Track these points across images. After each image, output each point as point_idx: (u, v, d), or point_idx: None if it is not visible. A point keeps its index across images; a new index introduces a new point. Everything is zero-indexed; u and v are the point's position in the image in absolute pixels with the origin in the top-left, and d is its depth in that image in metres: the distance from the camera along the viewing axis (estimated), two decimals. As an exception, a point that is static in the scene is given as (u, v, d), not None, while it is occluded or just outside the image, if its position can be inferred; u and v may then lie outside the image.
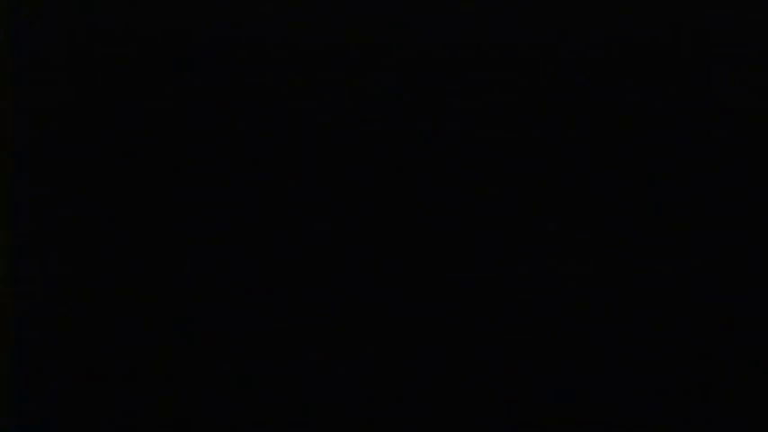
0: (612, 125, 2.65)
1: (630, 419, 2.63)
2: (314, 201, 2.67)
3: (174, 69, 2.69)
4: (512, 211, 2.65)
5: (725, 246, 2.63)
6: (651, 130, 2.65)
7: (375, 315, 2.66)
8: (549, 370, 2.63)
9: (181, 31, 2.69)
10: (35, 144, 2.68)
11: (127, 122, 2.69)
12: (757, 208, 2.63)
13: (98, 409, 2.67)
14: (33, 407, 2.67)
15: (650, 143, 2.65)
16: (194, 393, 2.66)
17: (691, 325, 2.63)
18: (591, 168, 2.65)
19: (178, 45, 2.69)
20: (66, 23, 2.70)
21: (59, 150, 2.69)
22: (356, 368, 2.66)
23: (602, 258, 2.64)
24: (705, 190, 2.64)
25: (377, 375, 2.65)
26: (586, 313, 2.64)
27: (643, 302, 2.64)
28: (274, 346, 2.66)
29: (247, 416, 2.66)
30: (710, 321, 2.63)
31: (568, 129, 2.65)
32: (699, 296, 2.63)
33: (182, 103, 2.68)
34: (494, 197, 2.66)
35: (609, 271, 2.64)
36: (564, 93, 2.65)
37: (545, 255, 2.64)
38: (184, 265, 2.67)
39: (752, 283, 2.63)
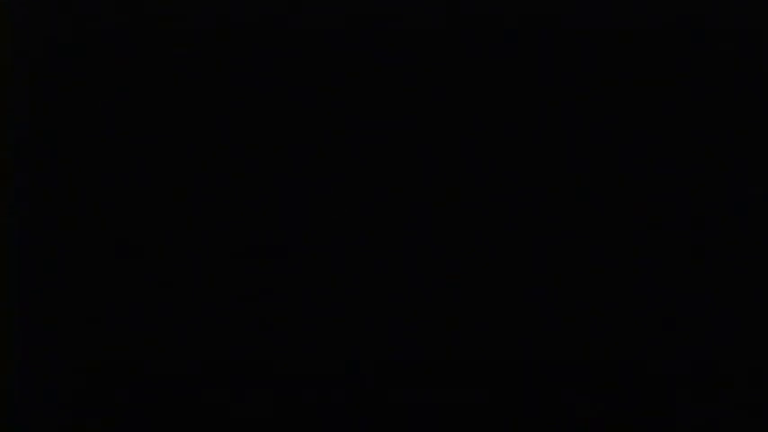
0: (611, 122, 2.65)
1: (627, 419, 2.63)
2: (306, 197, 2.67)
3: (172, 69, 2.69)
4: (510, 205, 2.66)
5: (723, 246, 2.63)
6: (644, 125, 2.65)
7: (371, 314, 2.66)
8: (546, 371, 2.64)
9: (178, 31, 2.69)
10: (35, 144, 2.68)
11: (127, 122, 2.69)
12: (757, 208, 2.63)
13: (98, 409, 2.67)
14: (33, 407, 2.67)
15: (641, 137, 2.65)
16: (194, 394, 2.66)
17: (689, 325, 2.63)
18: (588, 162, 2.65)
19: (176, 44, 2.69)
20: (65, 23, 2.70)
21: (59, 150, 2.69)
22: (354, 367, 2.66)
23: (599, 257, 2.64)
24: (704, 189, 2.64)
25: (374, 375, 2.65)
26: (585, 313, 2.64)
27: (641, 303, 2.64)
28: (274, 346, 2.66)
29: (246, 416, 2.66)
30: (709, 321, 2.63)
31: (564, 123, 2.65)
32: (697, 296, 2.63)
33: (179, 102, 2.68)
34: (496, 192, 2.66)
35: (606, 270, 2.64)
36: (558, 84, 2.65)
37: (542, 252, 2.65)
38: (184, 264, 2.67)
39: (751, 284, 2.63)
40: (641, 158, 2.64)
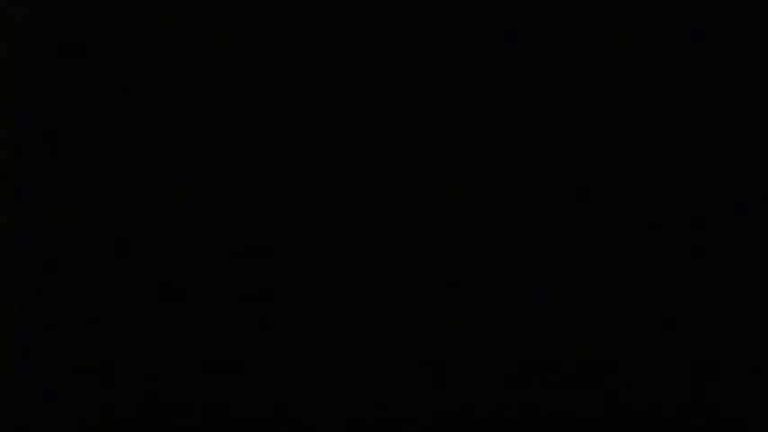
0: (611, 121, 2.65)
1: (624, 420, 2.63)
2: (304, 197, 2.67)
3: (172, 69, 2.69)
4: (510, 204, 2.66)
5: (722, 246, 2.64)
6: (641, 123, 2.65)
7: (369, 314, 2.66)
8: (543, 374, 2.64)
9: (178, 31, 2.69)
10: (35, 144, 2.68)
11: (127, 122, 2.69)
12: (757, 208, 2.63)
13: (98, 409, 2.67)
14: (33, 407, 2.67)
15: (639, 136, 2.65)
16: (194, 394, 2.66)
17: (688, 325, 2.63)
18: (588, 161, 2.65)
19: (176, 44, 2.69)
20: (65, 22, 2.70)
21: (59, 150, 2.69)
22: (353, 368, 2.66)
23: (598, 257, 2.64)
24: (704, 189, 2.64)
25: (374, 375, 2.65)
26: (583, 313, 2.64)
27: (639, 303, 2.64)
28: (274, 346, 2.66)
29: (246, 416, 2.66)
30: (708, 322, 2.63)
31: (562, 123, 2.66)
32: (697, 296, 2.64)
33: (179, 102, 2.68)
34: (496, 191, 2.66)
35: (605, 270, 2.64)
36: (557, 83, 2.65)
37: (540, 251, 2.65)
38: (184, 264, 2.67)
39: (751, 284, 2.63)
40: (641, 158, 2.64)
